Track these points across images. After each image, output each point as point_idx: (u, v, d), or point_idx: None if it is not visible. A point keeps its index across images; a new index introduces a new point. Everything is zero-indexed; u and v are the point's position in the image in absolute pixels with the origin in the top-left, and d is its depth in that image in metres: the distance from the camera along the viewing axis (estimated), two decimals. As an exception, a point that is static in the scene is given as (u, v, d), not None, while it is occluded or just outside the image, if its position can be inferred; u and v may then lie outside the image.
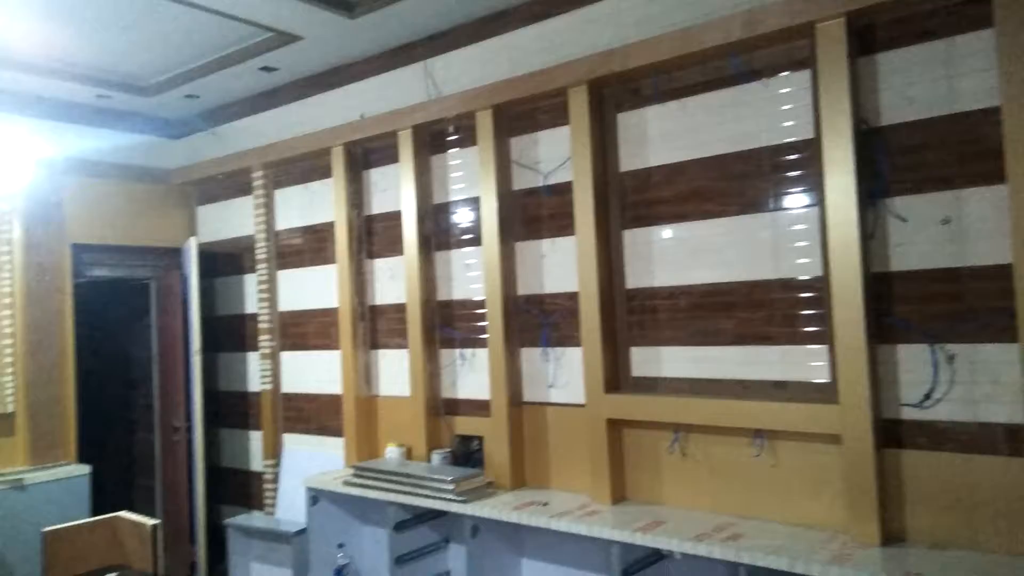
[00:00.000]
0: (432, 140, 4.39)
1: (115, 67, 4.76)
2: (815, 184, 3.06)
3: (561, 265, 3.83)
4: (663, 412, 3.38)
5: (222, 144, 5.42)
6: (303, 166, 5.09)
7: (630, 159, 3.61)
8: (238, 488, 5.57)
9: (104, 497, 5.85)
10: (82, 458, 5.10)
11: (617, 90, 3.62)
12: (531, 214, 3.96)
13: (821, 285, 3.04)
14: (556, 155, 3.85)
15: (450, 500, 3.67)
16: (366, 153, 4.75)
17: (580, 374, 3.67)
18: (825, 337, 3.02)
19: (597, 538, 3.18)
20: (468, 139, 4.20)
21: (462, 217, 4.28)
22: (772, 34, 3.05)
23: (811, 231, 3.09)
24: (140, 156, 5.59)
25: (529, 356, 3.96)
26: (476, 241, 4.15)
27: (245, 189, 5.44)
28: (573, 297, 3.73)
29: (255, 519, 5.05)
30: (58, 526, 3.24)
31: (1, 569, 4.43)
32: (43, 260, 5.02)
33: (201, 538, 5.29)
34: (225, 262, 5.69)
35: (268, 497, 5.19)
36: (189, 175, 5.67)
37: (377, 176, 4.71)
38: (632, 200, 3.60)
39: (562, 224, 3.81)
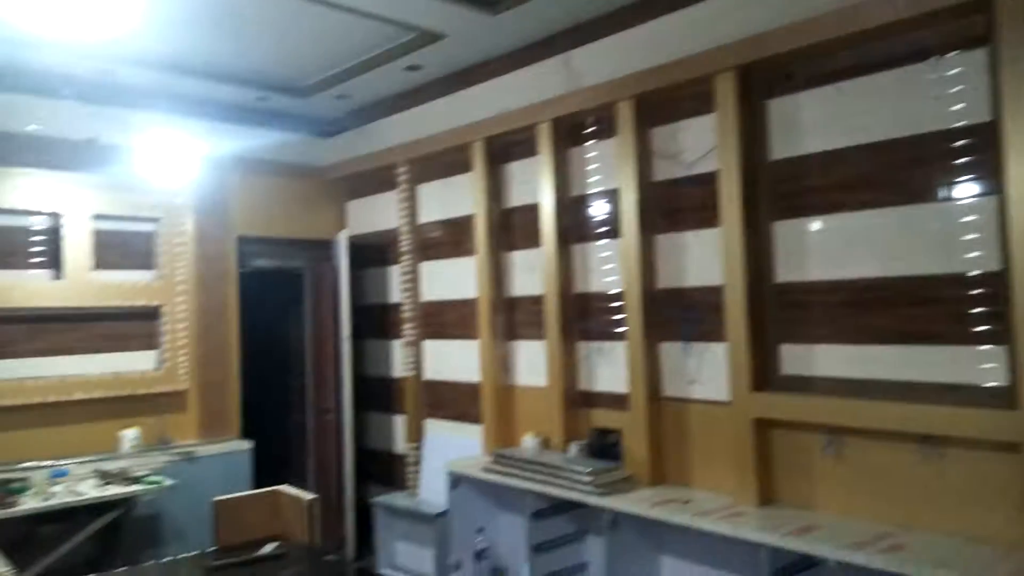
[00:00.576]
0: (571, 133, 4.39)
1: (274, 71, 5.08)
2: (990, 172, 2.80)
3: (704, 258, 3.73)
4: (817, 413, 3.22)
5: (369, 142, 5.67)
6: (444, 161, 5.23)
7: (781, 147, 3.46)
8: (383, 469, 5.85)
9: (263, 472, 6.31)
10: (244, 435, 5.52)
11: (767, 75, 3.47)
12: (672, 206, 3.88)
13: (997, 281, 2.78)
14: (700, 144, 3.75)
15: (588, 492, 3.68)
16: (505, 147, 4.82)
17: (724, 370, 3.57)
18: (1002, 337, 2.77)
19: (742, 540, 3.09)
20: (607, 130, 4.17)
21: (600, 209, 4.26)
22: (943, 10, 2.81)
23: (985, 222, 2.84)
24: (296, 154, 5.95)
25: (669, 351, 3.89)
26: (614, 233, 4.12)
27: (390, 184, 5.67)
28: (717, 291, 3.62)
29: (400, 499, 5.28)
30: (226, 496, 3.53)
31: (175, 531, 4.87)
32: (212, 251, 5.47)
33: (350, 515, 5.60)
34: (372, 254, 5.97)
35: (411, 478, 5.42)
36: (340, 171, 5.98)
37: (516, 169, 4.77)
38: (783, 190, 3.45)
39: (706, 216, 3.71)
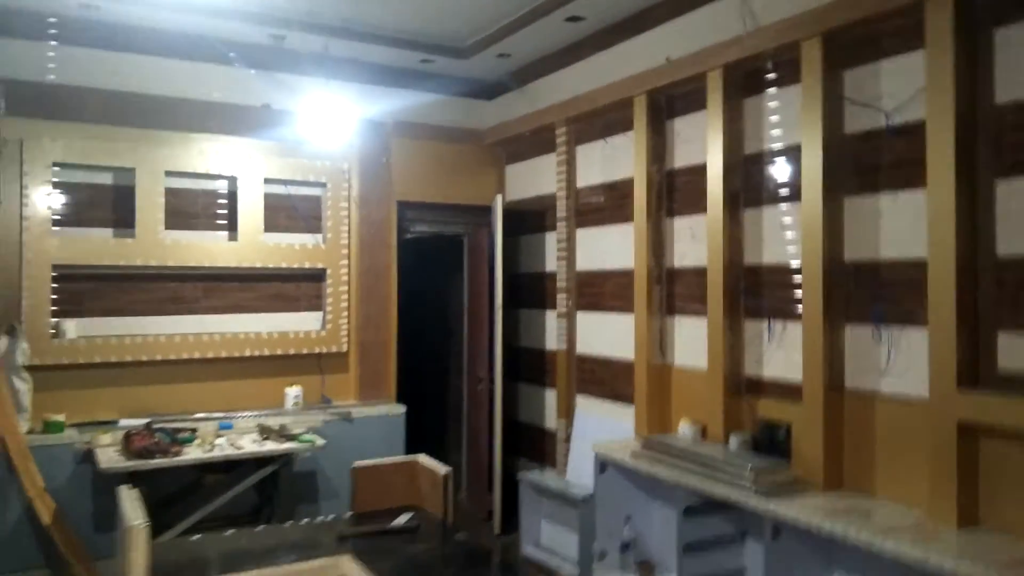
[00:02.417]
0: (746, 81, 3.85)
1: (436, 31, 4.98)
2: None
3: (904, 225, 3.10)
4: (1046, 422, 2.55)
5: (529, 102, 5.42)
6: (605, 120, 4.86)
7: (1010, 87, 2.75)
8: (533, 443, 5.67)
9: (421, 435, 6.37)
10: (400, 399, 5.56)
11: (997, -3, 2.77)
12: (866, 162, 3.26)
13: None
14: (904, 88, 3.10)
15: (749, 492, 3.22)
16: (670, 101, 4.36)
17: (923, 362, 2.94)
18: None
19: (936, 569, 2.52)
20: (789, 76, 3.59)
21: (778, 169, 3.70)
22: None
23: None
24: (456, 117, 5.84)
25: (855, 334, 3.30)
26: (795, 196, 3.56)
27: (549, 146, 5.39)
28: (919, 265, 2.99)
29: (547, 477, 5.07)
30: (365, 462, 3.48)
31: (330, 489, 4.99)
32: (374, 215, 5.50)
33: (497, 488, 5.48)
34: (529, 220, 5.75)
35: (560, 456, 5.18)
36: (499, 134, 5.79)
37: (681, 126, 4.30)
38: (1011, 140, 2.75)
39: (909, 174, 3.07)
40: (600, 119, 4.89)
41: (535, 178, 5.68)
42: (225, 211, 5.06)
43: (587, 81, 4.80)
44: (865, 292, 3.26)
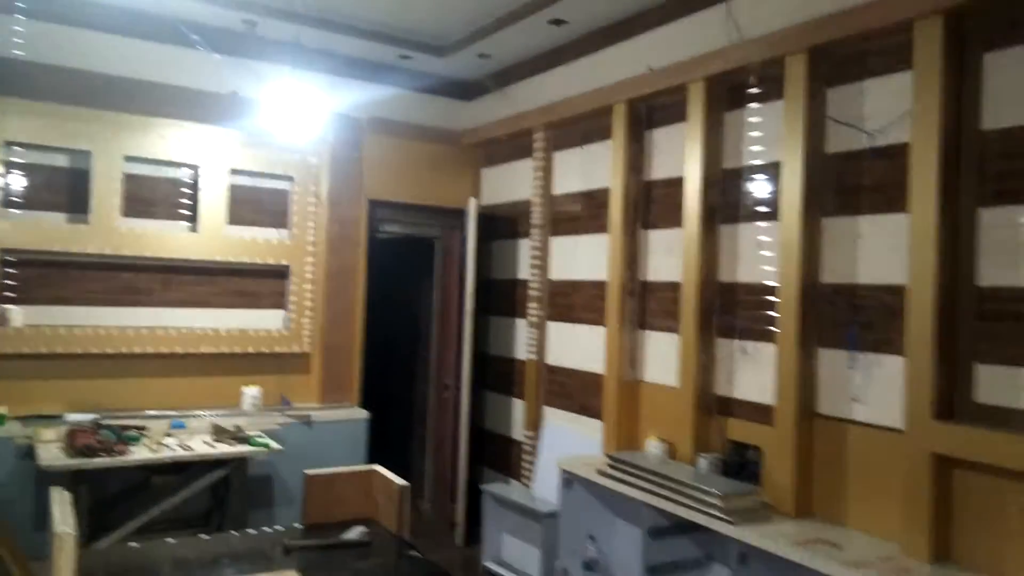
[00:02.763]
0: (728, 94, 3.77)
1: (416, 27, 4.85)
2: None
3: (883, 249, 3.03)
4: (1021, 457, 2.48)
5: (507, 104, 5.30)
6: (584, 127, 4.76)
7: (997, 114, 2.70)
8: (499, 453, 5.54)
9: (384, 441, 6.20)
10: (364, 404, 5.39)
11: (985, 22, 2.71)
12: (847, 183, 3.20)
13: None
14: (889, 109, 3.04)
15: (716, 517, 3.12)
16: (650, 111, 4.27)
17: (899, 390, 2.88)
18: None
19: (906, 608, 2.44)
20: (772, 92, 3.52)
21: (757, 186, 3.62)
22: None
23: None
24: (433, 117, 5.70)
25: (829, 359, 3.23)
26: (773, 215, 3.49)
27: (526, 151, 5.28)
28: (897, 291, 2.93)
29: (511, 490, 4.94)
30: (318, 471, 3.32)
31: (286, 494, 4.82)
32: (343, 213, 5.34)
33: (461, 498, 5.34)
34: (503, 225, 5.63)
35: (526, 468, 5.06)
36: (476, 136, 5.66)
37: (660, 137, 4.21)
38: (995, 169, 2.70)
39: (890, 197, 3.01)
40: (579, 126, 4.79)
41: (511, 183, 5.56)
42: (187, 200, 4.86)
43: (567, 86, 4.70)
44: (841, 316, 3.19)
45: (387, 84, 5.38)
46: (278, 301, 5.19)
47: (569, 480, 4.05)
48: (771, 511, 3.22)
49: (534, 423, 5.04)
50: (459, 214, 5.66)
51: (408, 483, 3.18)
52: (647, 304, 4.24)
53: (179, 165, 4.82)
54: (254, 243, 5.02)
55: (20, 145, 4.32)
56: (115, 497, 4.30)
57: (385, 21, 4.75)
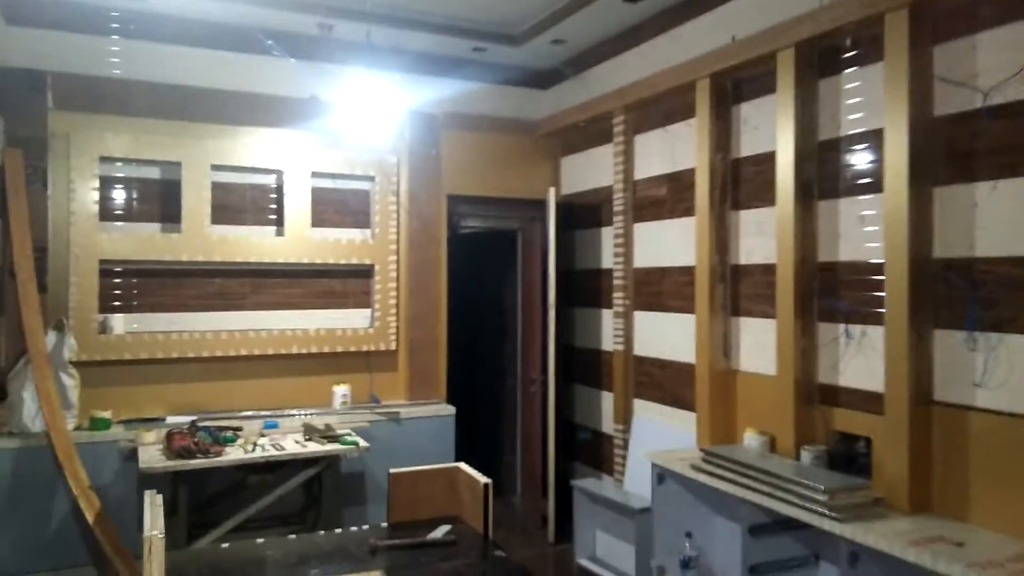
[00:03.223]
0: (821, 60, 3.50)
1: (488, 18, 4.78)
2: None
3: (1004, 219, 2.73)
4: None
5: (585, 90, 5.15)
6: (665, 107, 4.56)
7: None
8: (590, 448, 5.41)
9: (473, 437, 6.19)
10: (451, 399, 5.38)
11: None
12: (960, 148, 2.89)
13: None
14: (1006, 64, 2.72)
15: (822, 514, 2.90)
16: (736, 84, 4.03)
17: (1029, 373, 2.58)
18: None
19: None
20: (870, 54, 3.24)
21: (858, 157, 3.35)
22: None
23: None
24: (509, 108, 5.62)
25: (946, 341, 2.94)
26: (876, 187, 3.21)
27: (605, 137, 5.12)
28: (1023, 264, 2.62)
29: (602, 486, 4.81)
30: (403, 469, 3.29)
31: (379, 491, 4.84)
32: (423, 210, 5.33)
33: (551, 494, 5.24)
34: (584, 214, 5.48)
35: (617, 463, 4.92)
36: (554, 124, 5.54)
37: (749, 111, 3.97)
38: None
39: (1012, 161, 2.70)
40: (660, 106, 4.59)
41: (591, 170, 5.41)
42: (272, 205, 4.96)
43: (646, 66, 4.52)
44: (957, 293, 2.90)
45: (462, 78, 5.33)
46: (363, 300, 5.24)
47: (661, 475, 3.89)
48: (884, 507, 2.97)
49: (624, 416, 4.88)
50: (539, 205, 5.55)
51: (492, 480, 3.10)
52: (740, 289, 4.01)
53: (263, 171, 4.92)
54: (338, 244, 5.07)
55: (114, 160, 4.51)
56: (214, 496, 4.42)
57: (457, 14, 4.69)
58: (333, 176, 5.11)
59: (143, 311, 4.60)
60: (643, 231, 4.80)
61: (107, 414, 4.32)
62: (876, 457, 3.15)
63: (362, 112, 4.65)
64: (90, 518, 4.03)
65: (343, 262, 5.10)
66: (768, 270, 3.76)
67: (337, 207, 5.15)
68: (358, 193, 5.22)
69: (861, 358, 3.31)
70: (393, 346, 5.24)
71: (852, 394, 3.34)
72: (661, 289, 4.62)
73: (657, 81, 4.41)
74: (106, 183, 4.50)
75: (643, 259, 4.80)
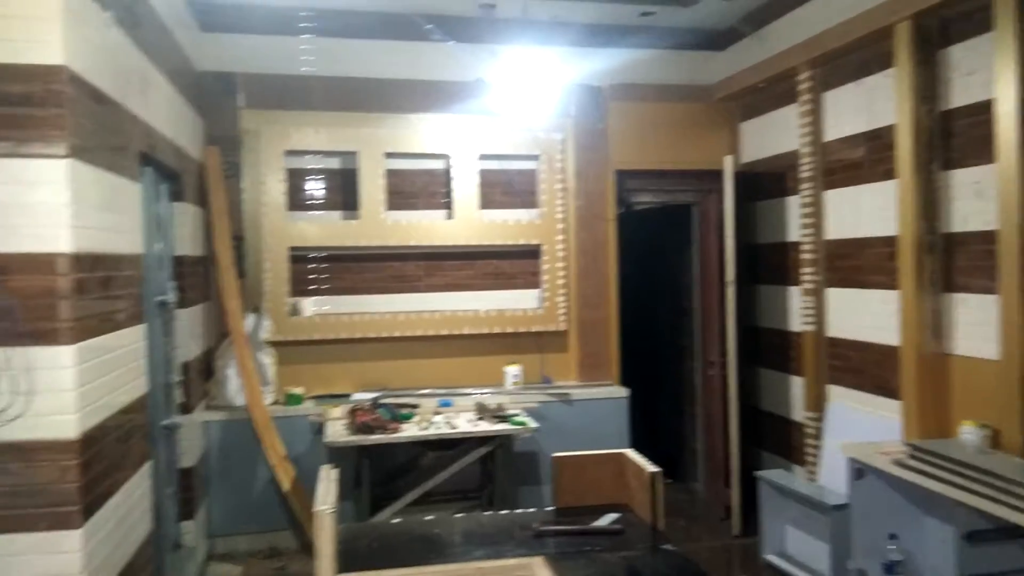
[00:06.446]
0: (1057, -18, 2.92)
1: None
2: None
3: None
4: None
5: (765, 47, 4.73)
6: (858, 58, 4.06)
7: None
8: (777, 435, 5.02)
9: (653, 420, 5.98)
10: (626, 381, 5.21)
11: None
12: None
13: None
14: None
15: (1061, 526, 2.43)
16: (944, 25, 3.48)
17: None
18: None
19: None
20: None
21: (1108, 94, 2.75)
22: None
23: None
24: (681, 74, 5.30)
25: None
26: None
27: (789, 97, 4.67)
28: None
29: (792, 478, 4.43)
30: (567, 453, 3.18)
31: (547, 470, 4.78)
32: (590, 187, 5.18)
33: (735, 484, 4.92)
34: (766, 183, 5.06)
35: (809, 453, 4.51)
36: (730, 88, 5.14)
37: (959, 55, 3.41)
38: None
39: None
40: (852, 57, 4.09)
41: (773, 134, 4.97)
42: (442, 189, 5.05)
43: (834, 13, 4.04)
44: None
45: (628, 46, 5.08)
46: (531, 280, 5.21)
47: (860, 470, 3.48)
48: None
49: (816, 403, 4.45)
50: (715, 176, 5.18)
51: (673, 468, 2.92)
52: (953, 261, 3.48)
53: (433, 156, 5.02)
54: (506, 225, 5.08)
55: (300, 153, 4.79)
56: (395, 470, 4.61)
57: (622, -22, 4.46)
58: (499, 157, 5.11)
59: (328, 294, 4.88)
60: (835, 198, 4.32)
61: (299, 390, 4.63)
62: None
63: (526, 90, 4.60)
64: (286, 486, 4.35)
65: (511, 243, 5.10)
66: (988, 238, 3.22)
67: (504, 188, 5.15)
68: (524, 173, 5.18)
69: (1115, 339, 2.73)
70: (563, 327, 5.16)
71: (1102, 383, 2.77)
72: (858, 263, 4.14)
73: (848, 29, 3.93)
74: (292, 175, 4.81)
75: (836, 230, 4.33)
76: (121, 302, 2.90)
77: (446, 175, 5.03)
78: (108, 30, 2.82)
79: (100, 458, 2.59)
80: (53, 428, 2.36)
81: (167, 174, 3.79)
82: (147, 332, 3.29)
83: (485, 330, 5.02)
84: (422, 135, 4.95)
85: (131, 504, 2.96)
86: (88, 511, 2.45)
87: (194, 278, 4.25)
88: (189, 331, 4.07)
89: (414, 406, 4.52)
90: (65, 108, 2.36)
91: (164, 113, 3.64)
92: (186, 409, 4.02)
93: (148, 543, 3.19)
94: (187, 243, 4.12)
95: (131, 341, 3.03)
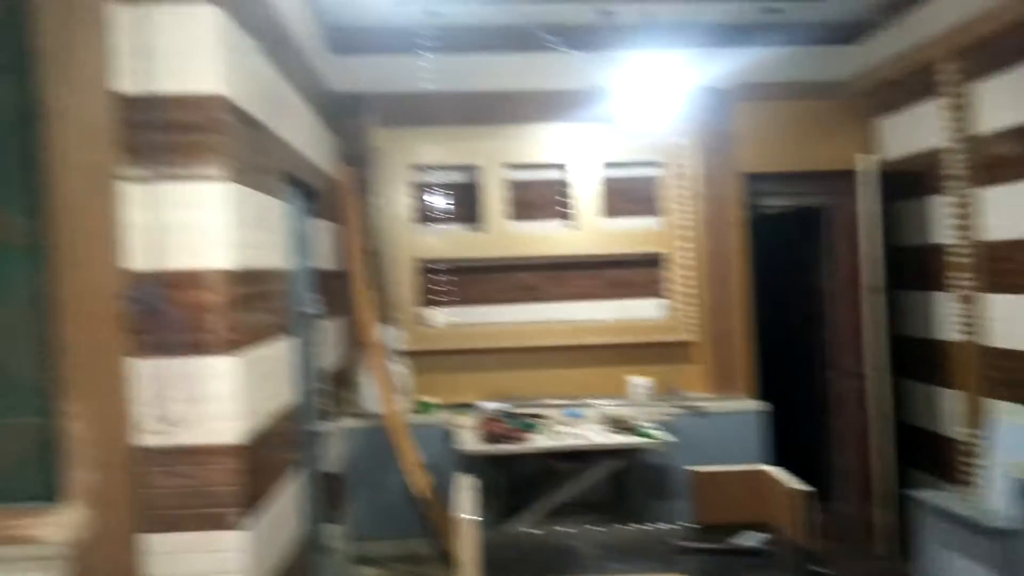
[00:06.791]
0: None
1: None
2: None
3: None
4: None
5: (903, 38, 4.45)
6: (1012, 43, 3.73)
7: None
8: (926, 452, 4.67)
9: (789, 435, 5.68)
10: (763, 394, 4.99)
11: None
12: None
13: None
14: None
15: None
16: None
17: None
18: None
19: None
20: None
21: None
22: None
23: None
24: (810, 70, 5.05)
25: None
26: None
27: (931, 90, 4.36)
28: None
29: (949, 499, 4.09)
30: (705, 468, 3.10)
31: (679, 485, 4.65)
32: (715, 192, 5.03)
33: (878, 503, 4.61)
34: (906, 182, 4.73)
35: (963, 471, 4.17)
36: (866, 82, 4.87)
37: None
38: None
39: None
40: (1007, 43, 3.77)
41: (912, 131, 4.65)
42: (563, 199, 5.05)
43: (977, -3, 3.75)
44: None
45: (754, 45, 4.91)
46: (654, 289, 5.13)
47: (1029, 491, 3.18)
48: None
49: (974, 419, 4.11)
50: (847, 176, 4.91)
51: (812, 487, 2.78)
52: None
53: (553, 166, 5.05)
54: (628, 233, 5.04)
55: (425, 168, 4.94)
56: (522, 480, 4.61)
57: (746, -25, 4.33)
58: (621, 165, 5.07)
59: (456, 305, 4.98)
60: (991, 197, 3.99)
61: (431, 399, 4.74)
62: None
63: (648, 96, 4.53)
64: (421, 494, 4.44)
65: (634, 251, 5.05)
66: None
67: (626, 195, 5.10)
68: (646, 180, 5.11)
69: None
70: (689, 337, 5.03)
71: None
72: (1021, 267, 3.80)
73: (1001, 12, 3.63)
74: (419, 189, 4.95)
75: (994, 231, 3.99)
76: (272, 315, 3.06)
77: (567, 184, 5.03)
78: (256, 58, 3.00)
79: (257, 462, 2.74)
80: (216, 434, 2.51)
81: (307, 192, 4.00)
82: (294, 343, 3.46)
83: (608, 340, 4.98)
84: (543, 145, 4.99)
85: (283, 507, 3.11)
86: (246, 513, 2.58)
87: (332, 292, 4.45)
88: (330, 342, 4.26)
89: (541, 417, 4.52)
90: (224, 134, 2.53)
91: (303, 134, 3.84)
92: (329, 417, 4.20)
93: (297, 545, 3.34)
94: (325, 258, 4.32)
95: (281, 352, 3.19)
